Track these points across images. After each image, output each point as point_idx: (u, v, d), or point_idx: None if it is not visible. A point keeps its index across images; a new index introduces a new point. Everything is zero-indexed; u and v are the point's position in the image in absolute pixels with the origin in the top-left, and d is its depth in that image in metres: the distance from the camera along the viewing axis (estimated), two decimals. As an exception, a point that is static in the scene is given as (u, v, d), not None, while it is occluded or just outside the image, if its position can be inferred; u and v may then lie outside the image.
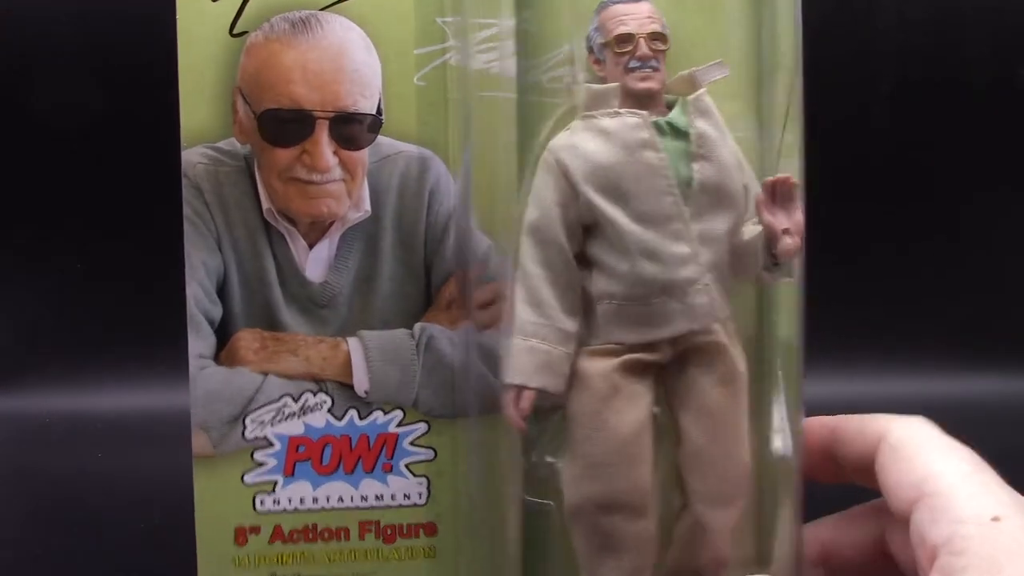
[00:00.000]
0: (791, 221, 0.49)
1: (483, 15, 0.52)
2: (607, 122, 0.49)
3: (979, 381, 1.07)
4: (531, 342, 0.50)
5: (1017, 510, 0.44)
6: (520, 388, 0.49)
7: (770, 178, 0.49)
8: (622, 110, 0.49)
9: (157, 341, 0.71)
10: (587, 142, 0.49)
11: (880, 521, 0.52)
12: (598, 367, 0.50)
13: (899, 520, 0.48)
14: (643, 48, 0.49)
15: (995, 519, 0.43)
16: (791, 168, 0.51)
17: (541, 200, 0.50)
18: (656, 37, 0.50)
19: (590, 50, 0.51)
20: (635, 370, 0.50)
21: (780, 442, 0.52)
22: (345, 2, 0.52)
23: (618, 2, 0.50)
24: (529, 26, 0.52)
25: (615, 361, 0.50)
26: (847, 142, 0.99)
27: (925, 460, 0.48)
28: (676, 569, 0.52)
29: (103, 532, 0.82)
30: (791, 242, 0.49)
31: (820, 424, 0.54)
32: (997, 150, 1.06)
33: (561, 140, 0.50)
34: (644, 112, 0.49)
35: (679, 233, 0.49)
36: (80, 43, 0.94)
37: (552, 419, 0.52)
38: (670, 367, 0.51)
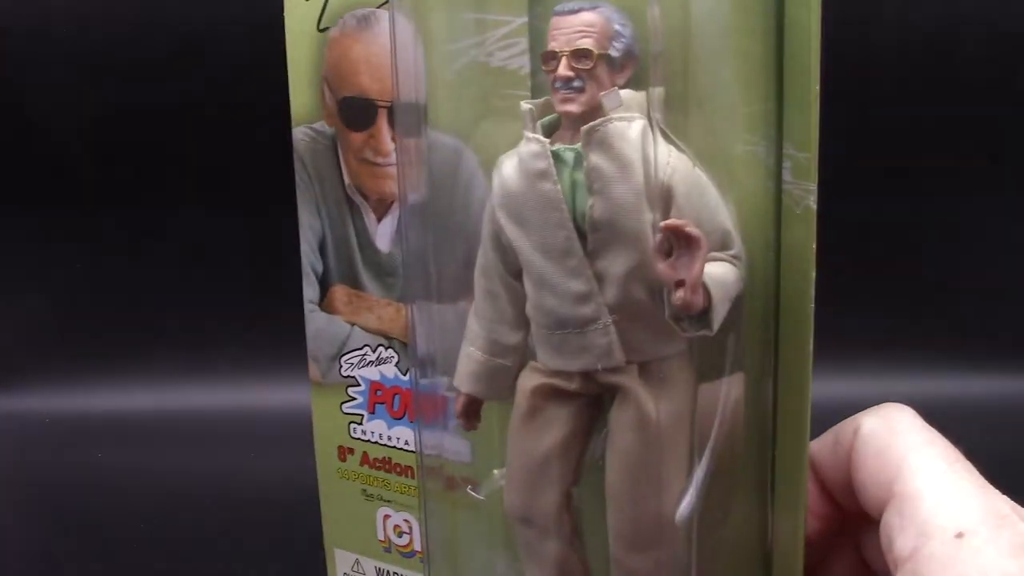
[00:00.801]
0: (689, 273, 0.43)
1: (499, 11, 0.52)
2: (522, 146, 0.48)
3: (976, 381, 1.06)
4: (469, 349, 0.52)
5: (984, 520, 0.41)
6: (456, 391, 0.52)
7: (666, 222, 0.43)
8: (531, 135, 0.47)
9: (160, 342, 0.75)
10: (506, 164, 0.49)
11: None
12: (526, 384, 0.51)
13: (872, 516, 0.46)
14: (563, 67, 0.46)
15: (959, 535, 0.41)
16: (804, 187, 0.44)
17: (485, 210, 0.50)
18: (581, 55, 0.46)
19: None
20: (554, 396, 0.50)
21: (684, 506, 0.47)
22: (398, -1, 0.55)
23: (558, 12, 0.47)
24: (540, 23, 0.51)
25: (541, 382, 0.50)
26: (844, 143, 0.85)
27: (897, 455, 0.45)
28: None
29: (103, 532, 0.84)
30: (685, 296, 0.43)
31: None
32: (997, 149, 1.06)
33: (503, 156, 0.49)
34: (545, 140, 0.47)
35: (575, 270, 0.47)
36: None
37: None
38: (598, 401, 0.49)
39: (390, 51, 0.56)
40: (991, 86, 1.05)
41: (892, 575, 0.43)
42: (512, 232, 0.49)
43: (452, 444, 0.61)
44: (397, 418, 0.64)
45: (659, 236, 0.45)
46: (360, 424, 0.66)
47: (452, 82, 0.55)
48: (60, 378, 0.92)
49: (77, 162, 1.00)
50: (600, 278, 0.47)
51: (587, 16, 0.47)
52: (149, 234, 0.94)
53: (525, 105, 0.49)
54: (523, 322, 0.51)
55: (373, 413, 0.66)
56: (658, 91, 0.47)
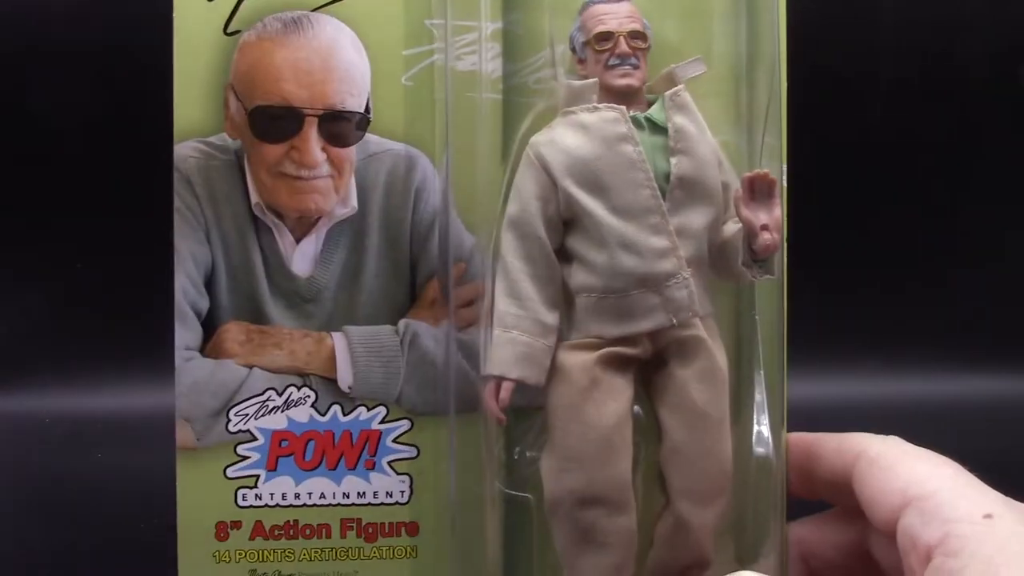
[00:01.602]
0: (770, 217, 0.50)
1: (468, 18, 0.54)
2: (586, 117, 0.51)
3: (969, 382, 1.05)
4: (511, 333, 0.51)
5: (1007, 508, 0.45)
6: (500, 379, 0.51)
7: (748, 173, 0.50)
8: (600, 105, 0.51)
9: (150, 337, 0.72)
10: (566, 136, 0.51)
11: (862, 524, 0.53)
12: (578, 360, 0.51)
13: (882, 530, 0.49)
14: (623, 45, 0.51)
15: (987, 516, 0.44)
16: (773, 171, 0.52)
17: (522, 194, 0.52)
18: (636, 35, 0.52)
19: (573, 50, 0.54)
20: (614, 364, 0.51)
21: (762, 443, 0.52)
22: (336, 3, 0.54)
23: (599, 2, 0.52)
24: (515, 28, 0.54)
25: (595, 355, 0.51)
26: (842, 142, 1.01)
27: (907, 467, 0.49)
28: (658, 569, 0.53)
29: (102, 532, 0.83)
30: (770, 238, 0.50)
31: (797, 441, 0.55)
32: (995, 150, 1.07)
33: (541, 136, 0.52)
34: (622, 107, 0.51)
35: (657, 226, 0.50)
36: (75, 41, 0.96)
37: (535, 417, 0.53)
38: (651, 364, 0.53)
39: (324, 57, 0.54)
40: (992, 86, 1.07)
41: (916, 573, 0.45)
42: (584, 198, 0.50)
43: (385, 485, 0.55)
44: (309, 469, 0.56)
45: (741, 186, 0.50)
46: (254, 488, 0.55)
47: (406, 88, 0.54)
48: (60, 378, 0.84)
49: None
50: (679, 234, 0.50)
51: (628, 5, 0.52)
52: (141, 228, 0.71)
53: (575, 84, 0.51)
54: (559, 302, 0.52)
55: (274, 470, 0.56)
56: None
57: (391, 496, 0.56)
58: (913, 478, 0.48)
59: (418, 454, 0.56)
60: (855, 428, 0.52)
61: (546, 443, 0.52)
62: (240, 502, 0.56)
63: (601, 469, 0.51)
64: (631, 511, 0.51)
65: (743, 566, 0.52)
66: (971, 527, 0.44)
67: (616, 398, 0.52)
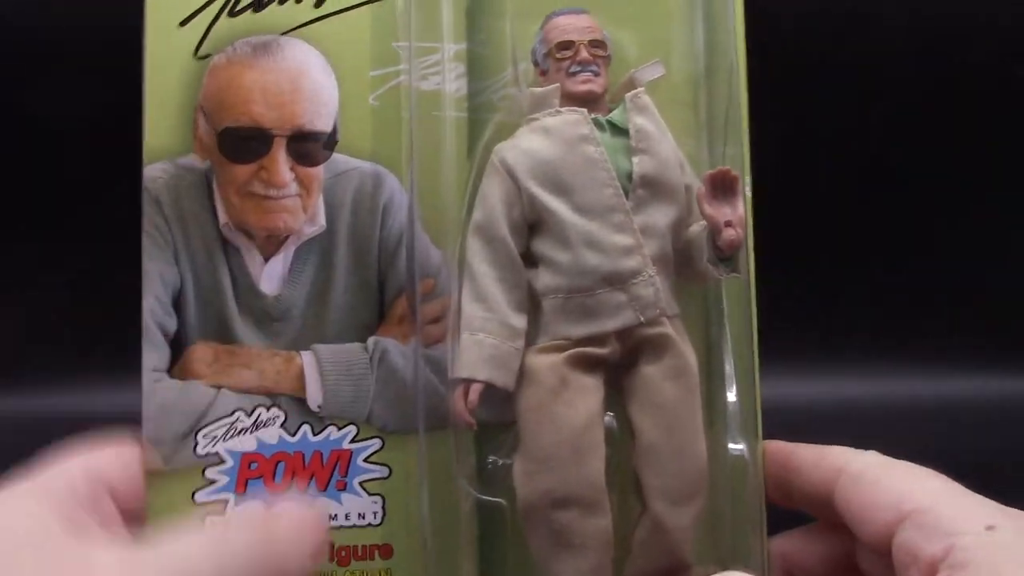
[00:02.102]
0: (733, 214, 0.51)
1: (433, 40, 0.55)
2: (548, 121, 0.52)
3: (977, 381, 1.04)
4: (478, 336, 0.51)
5: (1006, 517, 0.45)
6: (468, 381, 0.51)
7: (710, 171, 0.51)
8: (563, 108, 0.52)
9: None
10: (529, 141, 0.53)
11: (847, 537, 0.52)
12: (546, 362, 0.51)
13: (872, 545, 0.48)
14: (583, 53, 0.53)
15: (990, 528, 0.44)
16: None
17: (487, 200, 0.53)
18: (596, 44, 0.54)
19: (535, 63, 0.55)
20: (583, 364, 0.51)
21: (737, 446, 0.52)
22: (305, 27, 0.55)
23: (560, 14, 0.54)
24: (479, 48, 0.56)
25: (563, 355, 0.52)
26: (844, 145, 1.00)
27: (896, 482, 0.49)
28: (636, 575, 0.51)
29: None
30: (734, 233, 0.51)
31: (774, 451, 0.55)
32: (993, 151, 1.04)
33: (505, 143, 0.54)
34: (583, 109, 0.52)
35: (621, 224, 0.51)
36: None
37: (506, 433, 0.53)
38: (620, 366, 0.52)
39: (293, 79, 0.55)
40: (991, 85, 1.05)
41: None
42: (547, 199, 0.51)
43: (357, 507, 0.54)
44: (279, 492, 0.54)
45: (704, 184, 0.50)
46: (223, 513, 0.54)
47: (373, 108, 0.55)
48: (60, 378, 0.80)
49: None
50: (643, 232, 0.51)
51: (588, 17, 0.54)
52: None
53: (536, 91, 0.53)
54: (525, 306, 0.52)
55: (243, 493, 0.55)
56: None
57: (363, 518, 0.55)
58: (905, 492, 0.48)
59: (390, 474, 0.55)
60: (832, 428, 0.52)
61: (517, 447, 0.52)
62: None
63: (574, 469, 0.50)
64: (606, 513, 0.51)
65: (725, 567, 0.52)
66: (975, 539, 0.44)
67: (586, 398, 0.51)
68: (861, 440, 0.52)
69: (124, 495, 0.53)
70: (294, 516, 0.48)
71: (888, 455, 0.51)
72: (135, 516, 0.54)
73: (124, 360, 0.56)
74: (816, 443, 0.53)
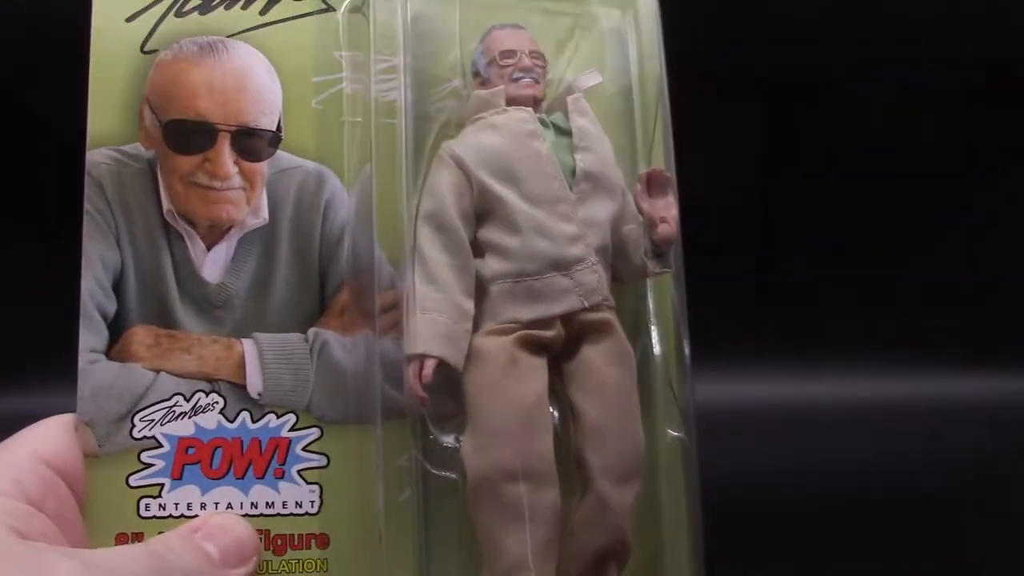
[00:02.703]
0: (667, 211, 0.55)
1: (381, 51, 0.59)
2: (496, 118, 0.56)
3: (976, 381, 1.05)
4: (431, 315, 0.53)
5: None
6: (422, 357, 0.53)
7: (645, 169, 0.55)
8: (510, 108, 0.56)
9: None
10: (479, 136, 0.56)
11: None
12: (495, 343, 0.54)
13: None
14: (525, 60, 0.58)
15: None
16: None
17: (436, 190, 0.56)
18: (535, 55, 0.58)
19: (476, 74, 0.59)
20: (530, 346, 0.54)
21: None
22: (250, 32, 0.58)
23: (501, 28, 0.58)
24: (420, 63, 0.59)
25: (511, 337, 0.54)
26: (845, 144, 1.05)
27: None
28: (579, 554, 0.53)
29: None
30: (668, 228, 0.55)
31: None
32: (989, 154, 1.09)
33: (453, 140, 0.57)
34: (529, 108, 0.56)
35: (566, 214, 0.55)
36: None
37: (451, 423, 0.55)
38: (563, 352, 0.55)
39: (238, 78, 0.56)
40: (990, 85, 1.07)
41: None
42: (498, 188, 0.54)
43: (294, 495, 0.54)
44: (216, 478, 0.53)
45: (639, 182, 0.55)
46: (158, 497, 0.53)
47: (316, 111, 0.57)
48: (60, 378, 0.63)
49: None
50: (585, 224, 0.54)
51: (526, 32, 0.59)
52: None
53: (482, 93, 0.56)
54: (473, 293, 0.55)
55: (179, 479, 0.53)
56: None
57: (300, 506, 0.55)
58: None
59: (328, 463, 0.56)
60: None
61: (467, 425, 0.54)
62: (143, 512, 0.53)
63: (526, 442, 0.52)
64: (556, 486, 0.53)
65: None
66: None
67: (534, 377, 0.54)
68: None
69: (72, 475, 0.52)
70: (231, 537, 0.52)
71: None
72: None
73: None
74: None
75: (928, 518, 0.75)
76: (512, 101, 0.57)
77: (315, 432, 0.56)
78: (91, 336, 0.54)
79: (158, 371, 0.55)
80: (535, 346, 0.54)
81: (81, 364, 0.54)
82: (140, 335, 0.55)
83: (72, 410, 0.54)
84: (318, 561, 0.55)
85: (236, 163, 0.57)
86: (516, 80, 0.58)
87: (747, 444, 0.68)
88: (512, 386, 0.53)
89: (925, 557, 0.73)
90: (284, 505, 0.55)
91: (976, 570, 0.71)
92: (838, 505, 0.76)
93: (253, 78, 0.59)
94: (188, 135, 0.57)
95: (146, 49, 0.58)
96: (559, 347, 0.55)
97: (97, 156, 0.56)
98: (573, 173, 0.56)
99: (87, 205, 0.55)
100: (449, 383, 0.54)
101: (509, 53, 0.58)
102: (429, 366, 0.53)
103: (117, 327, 0.55)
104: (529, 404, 0.53)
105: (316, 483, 0.56)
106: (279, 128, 0.58)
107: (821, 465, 0.80)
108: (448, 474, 0.55)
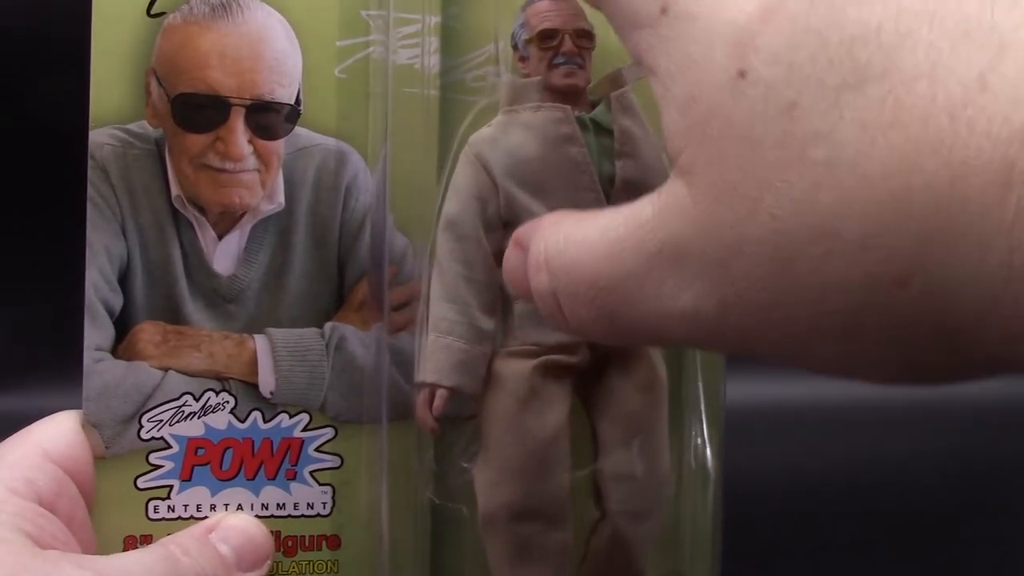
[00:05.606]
0: None
1: (408, 10, 0.54)
2: (529, 116, 0.51)
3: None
4: (447, 339, 0.51)
5: None
6: (434, 387, 0.51)
7: None
8: (544, 104, 0.51)
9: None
10: (508, 136, 0.52)
11: None
12: (515, 369, 0.52)
13: None
14: (568, 44, 0.52)
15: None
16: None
17: (460, 195, 0.52)
18: (582, 34, 0.52)
19: (515, 47, 0.54)
20: (553, 373, 0.52)
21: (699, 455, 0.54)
22: (268, -12, 0.53)
23: (546, -1, 0.52)
24: (455, 23, 0.55)
25: (533, 363, 0.52)
26: None
27: None
28: (591, 584, 0.53)
29: None
30: None
31: None
32: None
33: (482, 135, 0.53)
34: (567, 107, 0.51)
35: None
36: None
37: (468, 425, 0.53)
38: (589, 374, 0.53)
39: (253, 44, 0.53)
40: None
41: None
42: (525, 200, 0.51)
43: (306, 496, 0.54)
44: (227, 479, 0.54)
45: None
46: (167, 499, 0.54)
47: (340, 81, 0.54)
48: (60, 378, 0.74)
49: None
50: None
51: (574, 3, 0.52)
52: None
53: (517, 81, 0.51)
54: (496, 308, 0.52)
55: (189, 480, 0.54)
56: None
57: (312, 508, 0.56)
58: None
59: (341, 464, 0.55)
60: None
61: (481, 455, 0.53)
62: (151, 514, 0.54)
63: (539, 482, 0.51)
64: (568, 526, 0.52)
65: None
66: None
67: (555, 408, 0.52)
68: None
69: (83, 475, 0.53)
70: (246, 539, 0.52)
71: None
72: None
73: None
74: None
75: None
76: (550, 90, 0.52)
77: (329, 432, 0.55)
78: (96, 333, 0.53)
79: (166, 370, 0.54)
80: (558, 372, 0.52)
81: (86, 363, 0.53)
82: (147, 332, 0.54)
83: (74, 409, 0.54)
84: (329, 562, 0.56)
85: (251, 142, 0.54)
86: (555, 67, 0.52)
87: (750, 444, 0.66)
88: (530, 420, 0.51)
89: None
90: (295, 506, 0.55)
91: (982, 571, 0.68)
92: (852, 509, 0.74)
93: (270, 44, 0.54)
94: (198, 111, 0.54)
95: (153, 12, 0.54)
96: (585, 371, 0.53)
97: (101, 136, 0.53)
98: (612, 181, 0.52)
99: (90, 191, 0.53)
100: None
101: (550, 34, 0.52)
102: (441, 397, 0.51)
103: (123, 323, 0.54)
104: (546, 441, 0.51)
105: (328, 484, 0.55)
106: (298, 101, 0.54)
107: (827, 467, 0.76)
108: (458, 506, 0.54)
